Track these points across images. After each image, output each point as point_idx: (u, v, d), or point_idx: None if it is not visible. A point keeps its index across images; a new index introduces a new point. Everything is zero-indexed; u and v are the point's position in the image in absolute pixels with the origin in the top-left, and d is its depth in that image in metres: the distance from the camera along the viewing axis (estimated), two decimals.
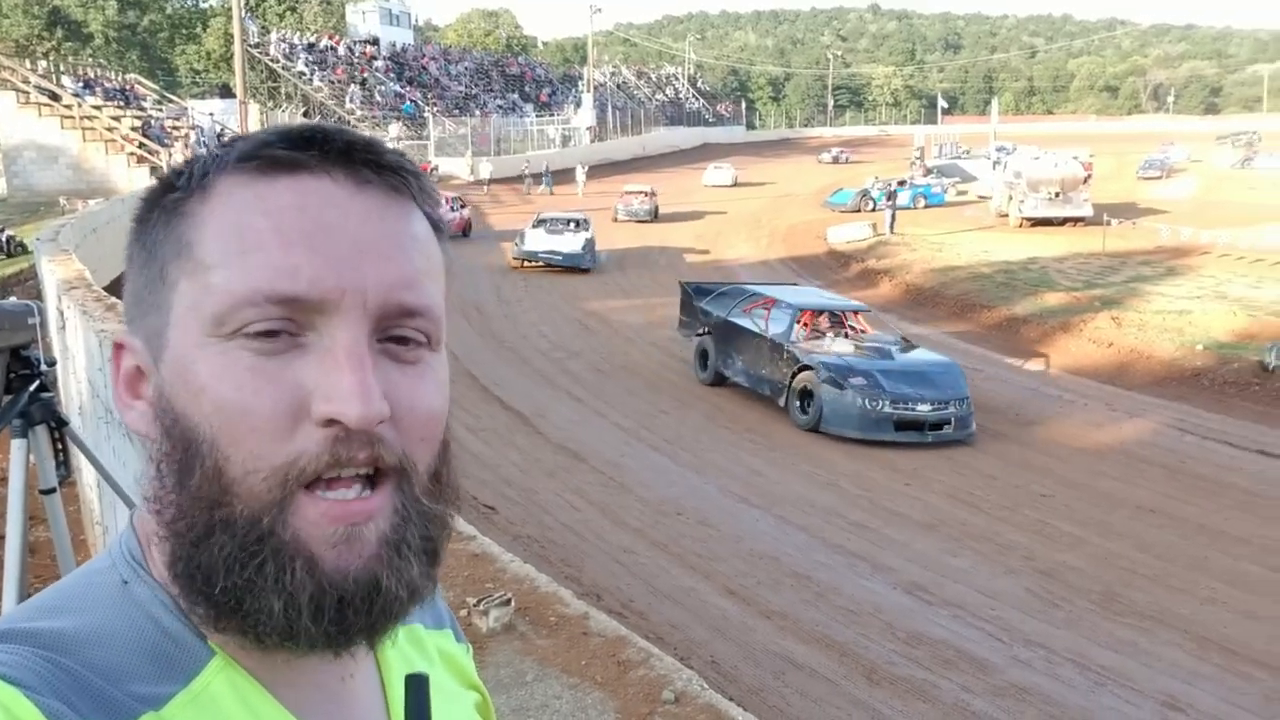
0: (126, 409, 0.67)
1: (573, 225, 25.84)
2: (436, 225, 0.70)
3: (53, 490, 2.46)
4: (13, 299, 2.58)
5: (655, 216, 34.17)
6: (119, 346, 0.68)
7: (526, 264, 24.61)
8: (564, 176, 43.48)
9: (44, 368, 2.37)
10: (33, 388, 2.34)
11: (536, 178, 42.47)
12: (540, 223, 26.04)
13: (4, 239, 24.31)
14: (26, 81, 33.22)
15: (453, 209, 29.53)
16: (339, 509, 0.60)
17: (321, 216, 0.61)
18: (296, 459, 0.59)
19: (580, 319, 19.72)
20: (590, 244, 24.87)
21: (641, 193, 35.36)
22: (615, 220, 33.13)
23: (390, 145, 0.68)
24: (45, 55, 43.26)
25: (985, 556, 9.21)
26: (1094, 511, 10.45)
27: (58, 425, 2.42)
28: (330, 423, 0.59)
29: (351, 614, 0.61)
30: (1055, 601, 8.30)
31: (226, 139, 0.68)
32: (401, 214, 0.65)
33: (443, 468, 0.67)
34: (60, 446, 2.44)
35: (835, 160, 59.95)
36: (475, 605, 4.24)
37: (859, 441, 12.47)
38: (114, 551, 0.68)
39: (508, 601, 4.26)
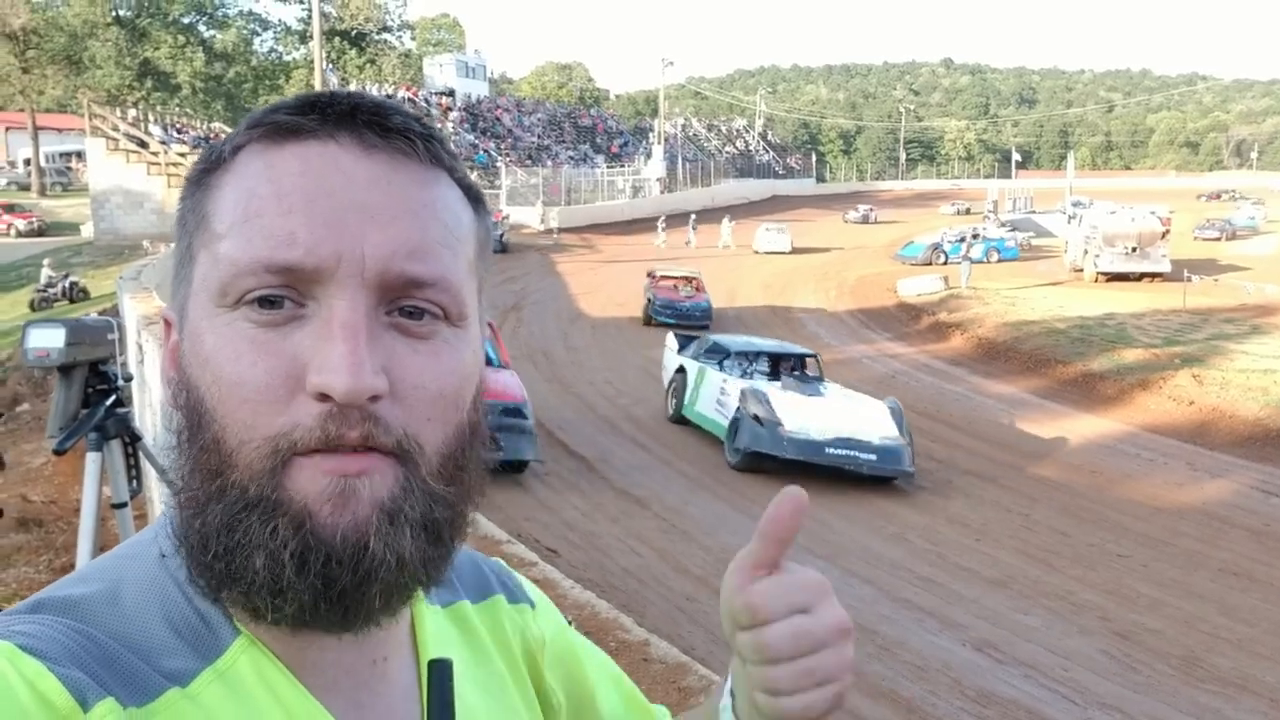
0: (168, 384, 0.66)
1: (798, 363, 15.13)
2: (468, 191, 0.68)
3: (124, 504, 2.50)
4: (93, 314, 2.65)
5: (710, 318, 23.35)
6: (167, 323, 0.68)
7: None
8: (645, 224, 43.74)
9: (120, 383, 2.42)
10: (109, 402, 2.39)
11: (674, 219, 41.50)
12: (731, 358, 14.87)
13: (67, 284, 24.78)
14: (116, 129, 34.59)
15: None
16: (332, 462, 0.58)
17: (323, 181, 0.60)
18: (290, 431, 0.58)
19: (646, 366, 19.72)
20: (898, 415, 13.06)
21: (685, 279, 24.99)
22: (650, 323, 23.03)
23: (408, 110, 0.66)
24: (135, 104, 45.02)
25: (1059, 616, 8.92)
26: (1174, 572, 10.08)
27: (132, 440, 2.47)
28: (323, 397, 0.57)
29: (337, 568, 0.58)
30: (1132, 664, 8.00)
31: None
32: (414, 179, 0.63)
33: (460, 452, 0.65)
34: (133, 461, 2.49)
35: (865, 220, 55.96)
36: None
37: (927, 495, 12.24)
38: (158, 525, 0.68)
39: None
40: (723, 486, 12.28)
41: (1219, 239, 43.08)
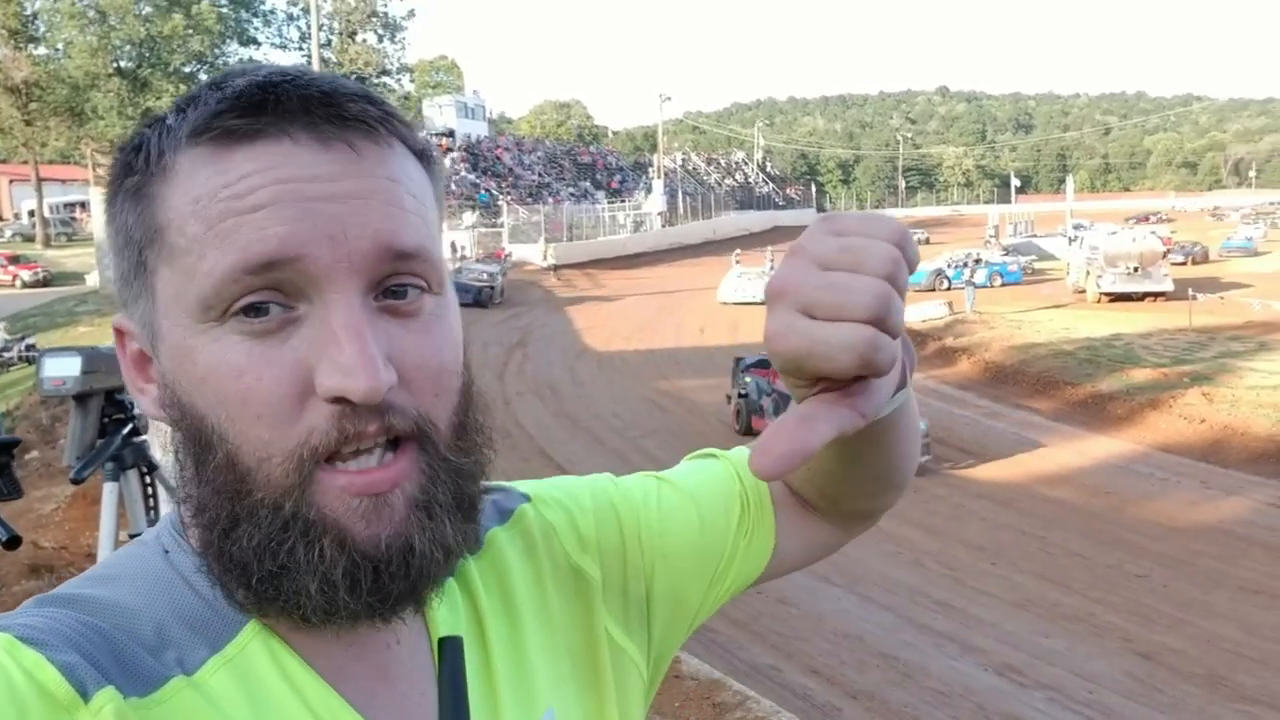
0: (140, 394, 0.66)
1: None
2: (420, 154, 0.65)
3: (141, 535, 2.45)
4: (109, 343, 2.62)
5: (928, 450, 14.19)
6: (120, 332, 0.66)
7: None
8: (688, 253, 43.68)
9: (137, 411, 2.39)
10: (126, 431, 2.36)
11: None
12: None
13: (23, 347, 24.12)
14: None
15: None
16: (362, 480, 0.58)
17: (287, 180, 0.58)
18: (308, 438, 0.57)
19: (653, 398, 19.72)
20: None
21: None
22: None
23: (359, 89, 0.62)
24: None
25: (1080, 638, 8.82)
26: (1193, 592, 9.98)
27: (149, 469, 2.43)
28: (337, 399, 0.56)
29: (389, 580, 0.59)
30: (1156, 685, 7.90)
31: (178, 104, 0.62)
32: (377, 159, 0.61)
33: (466, 417, 0.64)
34: (150, 491, 2.45)
35: None
36: None
37: (941, 520, 12.16)
38: (160, 526, 0.67)
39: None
40: None
41: (1184, 263, 41.13)
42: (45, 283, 39.82)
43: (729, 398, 16.97)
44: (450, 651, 0.67)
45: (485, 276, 32.60)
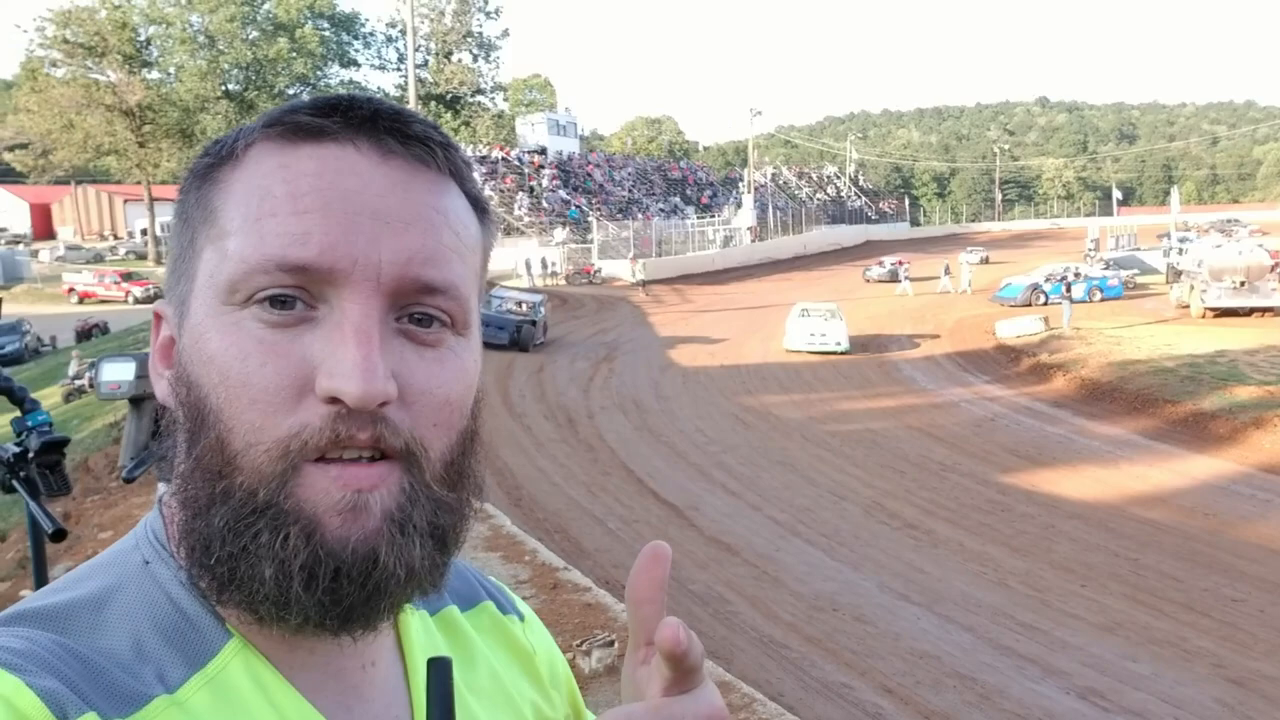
0: (158, 378, 0.66)
1: None
2: (475, 202, 0.68)
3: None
4: None
5: None
6: (157, 316, 0.68)
7: None
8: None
9: None
10: None
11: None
12: None
13: (93, 375, 24.37)
14: None
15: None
16: (345, 473, 0.59)
17: (340, 184, 0.60)
18: (299, 432, 0.58)
19: (736, 413, 19.66)
20: None
21: None
22: None
23: (426, 118, 0.66)
24: None
25: (1169, 662, 8.52)
26: None
27: None
28: (333, 400, 0.58)
29: (346, 584, 0.59)
30: (1247, 713, 7.58)
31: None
32: (430, 186, 0.63)
33: (461, 458, 0.65)
34: None
35: (892, 277, 42.79)
36: (578, 645, 4.31)
37: (1030, 540, 11.86)
38: (139, 531, 0.67)
39: (611, 643, 4.30)
40: (816, 533, 12.09)
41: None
42: (156, 298, 41.54)
43: None
44: (440, 672, 0.66)
45: (524, 309, 25.89)
